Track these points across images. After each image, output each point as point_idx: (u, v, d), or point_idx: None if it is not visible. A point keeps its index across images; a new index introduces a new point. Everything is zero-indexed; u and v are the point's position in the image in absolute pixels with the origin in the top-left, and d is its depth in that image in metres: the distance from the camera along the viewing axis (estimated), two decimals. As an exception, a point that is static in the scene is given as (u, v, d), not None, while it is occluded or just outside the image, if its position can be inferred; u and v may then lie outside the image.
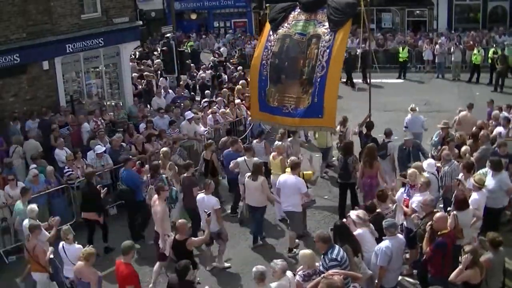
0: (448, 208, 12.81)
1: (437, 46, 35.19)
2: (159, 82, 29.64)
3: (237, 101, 24.21)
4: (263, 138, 19.04)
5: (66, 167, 17.65)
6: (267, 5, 20.53)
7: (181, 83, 28.27)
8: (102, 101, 25.73)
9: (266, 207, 15.61)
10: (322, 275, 9.84)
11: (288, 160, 15.38)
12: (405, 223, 13.15)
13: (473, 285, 10.19)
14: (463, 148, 15.60)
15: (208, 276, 14.03)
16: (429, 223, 11.27)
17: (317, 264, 10.52)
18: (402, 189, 13.72)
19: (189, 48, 41.05)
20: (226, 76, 31.46)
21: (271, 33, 18.17)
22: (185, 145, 20.84)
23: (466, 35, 37.84)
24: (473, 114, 19.80)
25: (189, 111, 22.32)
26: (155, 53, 38.81)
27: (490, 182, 13.67)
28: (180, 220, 12.64)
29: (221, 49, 41.16)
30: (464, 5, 43.63)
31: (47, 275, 12.65)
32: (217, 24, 51.17)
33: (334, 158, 19.88)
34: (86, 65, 25.31)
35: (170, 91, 26.97)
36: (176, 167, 16.49)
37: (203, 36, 46.33)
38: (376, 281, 11.30)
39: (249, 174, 15.22)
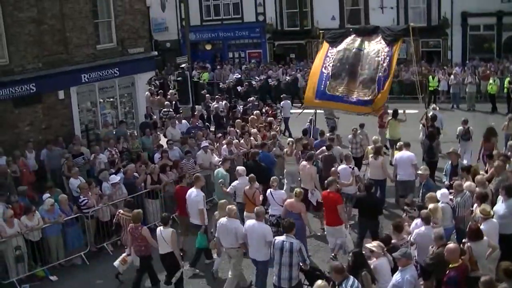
0: (463, 240, 12.66)
1: (452, 77, 35.15)
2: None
3: (254, 130, 24.20)
4: (335, 132, 23.35)
5: (81, 196, 17.66)
6: (320, 31, 25.31)
7: (195, 113, 28.29)
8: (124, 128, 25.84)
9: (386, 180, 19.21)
10: None
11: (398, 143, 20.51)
12: (416, 257, 12.99)
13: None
14: (478, 177, 15.44)
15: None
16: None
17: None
18: (417, 220, 13.59)
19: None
20: (240, 107, 31.41)
21: (330, 48, 23.20)
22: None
23: (481, 65, 37.77)
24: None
25: (205, 141, 22.36)
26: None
27: (500, 207, 13.57)
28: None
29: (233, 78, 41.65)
30: (478, 35, 43.60)
31: None
32: (232, 55, 51.42)
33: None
34: (101, 95, 25.49)
35: (184, 121, 26.97)
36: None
37: (218, 67, 46.52)
38: None
39: (372, 154, 19.28)
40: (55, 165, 21.62)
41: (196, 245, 16.08)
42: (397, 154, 19.32)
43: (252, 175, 17.02)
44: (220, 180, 18.09)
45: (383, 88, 21.12)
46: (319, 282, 10.48)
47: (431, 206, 13.93)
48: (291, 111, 30.69)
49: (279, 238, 12.61)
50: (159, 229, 14.32)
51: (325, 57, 23.14)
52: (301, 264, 12.56)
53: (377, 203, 16.06)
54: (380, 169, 18.97)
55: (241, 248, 14.10)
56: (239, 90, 37.61)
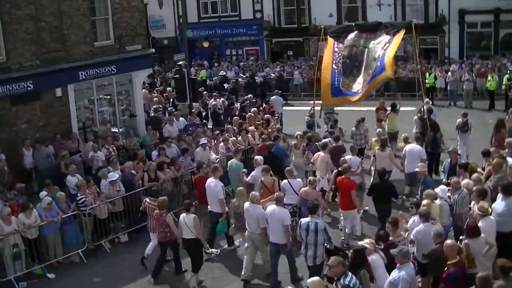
0: (461, 237, 12.68)
1: (449, 74, 35.17)
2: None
3: (251, 128, 24.23)
4: (337, 126, 23.89)
5: (79, 194, 17.65)
6: (321, 27, 24.89)
7: (193, 110, 28.26)
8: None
9: (392, 171, 19.30)
10: None
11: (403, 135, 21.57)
12: (414, 252, 13.01)
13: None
14: (474, 175, 15.46)
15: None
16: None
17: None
18: (415, 217, 13.59)
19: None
20: (238, 104, 31.37)
21: (336, 44, 23.52)
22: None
23: (478, 63, 37.79)
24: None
25: (203, 138, 22.40)
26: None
27: (499, 205, 13.52)
28: None
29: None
30: (475, 32, 43.72)
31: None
32: (229, 52, 51.44)
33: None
34: (99, 92, 25.46)
35: (181, 119, 26.95)
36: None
37: (215, 64, 46.55)
38: None
39: (378, 146, 19.92)
40: (43, 165, 21.56)
41: (216, 230, 16.92)
42: (407, 147, 19.72)
43: (266, 165, 17.77)
44: (244, 170, 19.09)
45: (384, 59, 21.84)
46: (314, 278, 10.56)
47: (424, 202, 13.92)
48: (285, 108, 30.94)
49: (305, 219, 13.63)
50: (182, 215, 15.08)
51: (333, 53, 23.56)
52: (327, 244, 13.48)
53: (390, 189, 16.64)
54: (387, 160, 19.41)
55: (262, 233, 14.74)
56: (225, 87, 38.01)
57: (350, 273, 10.62)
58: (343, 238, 16.74)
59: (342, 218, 17.26)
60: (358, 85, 22.49)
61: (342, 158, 18.45)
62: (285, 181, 17.16)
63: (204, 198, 17.17)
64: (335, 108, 27.07)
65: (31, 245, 16.24)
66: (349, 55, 23.09)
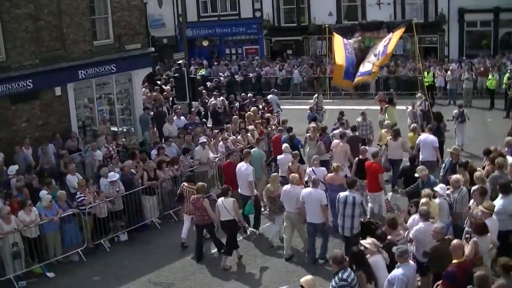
0: (467, 235, 12.65)
1: (449, 73, 35.13)
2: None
3: (251, 127, 24.20)
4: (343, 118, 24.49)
5: (78, 193, 17.66)
6: (325, 25, 26.99)
7: (192, 109, 28.25)
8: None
9: (402, 160, 20.37)
10: None
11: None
12: (413, 251, 12.96)
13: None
14: (477, 173, 15.40)
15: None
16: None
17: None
18: (415, 216, 13.57)
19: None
20: (237, 103, 31.33)
21: (345, 39, 24.85)
22: (198, 171, 20.88)
23: (477, 62, 37.72)
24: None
25: (203, 137, 22.38)
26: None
27: (497, 204, 13.48)
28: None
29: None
30: (475, 31, 43.63)
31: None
32: (229, 51, 51.40)
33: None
34: (98, 91, 25.44)
35: (182, 117, 26.90)
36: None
37: (215, 63, 46.50)
38: None
39: (390, 136, 21.06)
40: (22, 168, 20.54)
41: (244, 212, 17.51)
42: (421, 137, 20.66)
43: (296, 151, 19.60)
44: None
45: (383, 56, 23.60)
46: (307, 277, 10.59)
47: (422, 201, 13.87)
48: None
49: (343, 193, 14.95)
50: (221, 199, 16.13)
51: (344, 45, 24.89)
52: (361, 217, 14.64)
53: None
54: (399, 150, 20.70)
55: (299, 212, 15.90)
56: (208, 85, 38.35)
57: (349, 269, 10.73)
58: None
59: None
60: (369, 64, 23.88)
61: (362, 147, 19.53)
62: (309, 168, 18.23)
63: (233, 183, 18.01)
64: (324, 107, 28.33)
65: (30, 244, 16.25)
66: (358, 47, 24.46)
